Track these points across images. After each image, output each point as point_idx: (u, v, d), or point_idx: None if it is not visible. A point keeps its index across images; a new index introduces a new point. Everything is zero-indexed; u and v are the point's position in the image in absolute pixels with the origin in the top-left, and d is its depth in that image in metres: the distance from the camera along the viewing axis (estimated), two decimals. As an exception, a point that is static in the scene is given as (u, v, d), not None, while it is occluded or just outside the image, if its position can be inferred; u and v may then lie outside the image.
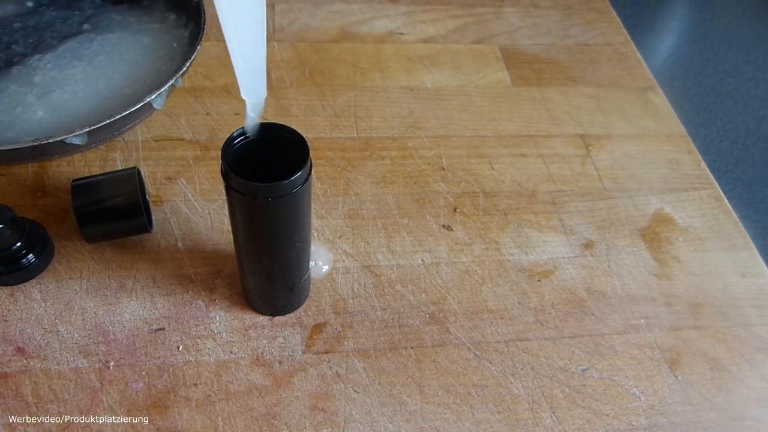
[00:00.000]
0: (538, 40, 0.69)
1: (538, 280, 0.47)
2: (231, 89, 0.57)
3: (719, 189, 0.56)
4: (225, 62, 0.59)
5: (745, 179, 0.63)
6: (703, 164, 0.58)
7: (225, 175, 0.32)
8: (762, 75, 0.75)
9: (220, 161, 0.50)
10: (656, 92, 0.64)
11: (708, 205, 0.54)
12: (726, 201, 0.55)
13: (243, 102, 0.54)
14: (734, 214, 0.54)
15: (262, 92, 0.30)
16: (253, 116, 0.31)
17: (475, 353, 0.43)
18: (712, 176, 0.57)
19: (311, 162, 0.33)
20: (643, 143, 0.59)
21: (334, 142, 0.54)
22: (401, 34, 0.66)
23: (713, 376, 0.44)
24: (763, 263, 0.51)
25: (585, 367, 0.43)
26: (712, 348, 0.45)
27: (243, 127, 0.33)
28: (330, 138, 0.55)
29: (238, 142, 0.33)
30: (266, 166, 0.33)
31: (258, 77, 0.29)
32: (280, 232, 0.35)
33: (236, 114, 0.55)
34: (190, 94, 0.56)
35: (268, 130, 0.33)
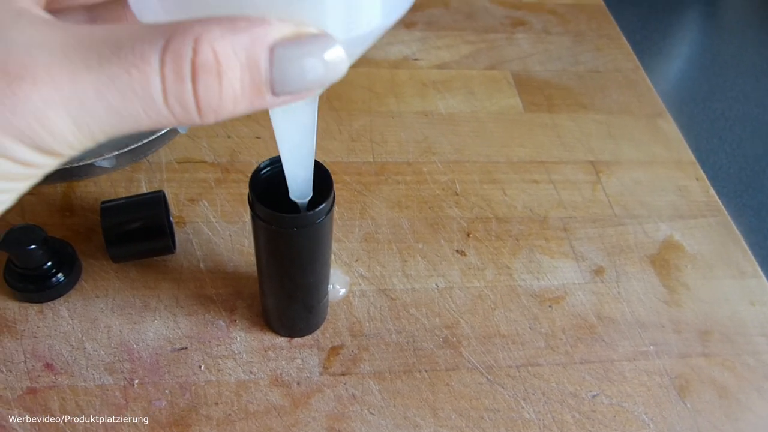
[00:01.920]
0: (549, 66, 0.70)
1: (549, 306, 0.48)
2: (251, 113, 0.58)
3: (728, 216, 0.57)
4: (245, 86, 0.61)
5: (754, 205, 0.64)
6: (712, 191, 0.59)
7: (252, 205, 0.34)
8: (770, 102, 0.76)
9: (240, 183, 0.52)
10: (665, 119, 0.66)
11: (717, 232, 0.55)
12: (735, 228, 0.56)
13: (261, 125, 0.55)
14: (743, 242, 0.55)
15: (308, 194, 0.32)
16: (301, 204, 0.33)
17: (487, 377, 0.44)
18: (720, 203, 0.58)
19: (334, 194, 0.34)
20: (653, 170, 0.60)
21: (350, 166, 0.56)
22: (416, 59, 0.68)
23: (722, 404, 0.45)
24: (770, 291, 0.52)
25: (595, 393, 0.44)
26: (721, 376, 0.46)
27: (270, 159, 0.34)
28: (346, 162, 0.56)
29: (265, 172, 0.35)
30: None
31: (306, 182, 0.31)
32: (302, 259, 0.37)
33: (257, 137, 0.56)
34: (212, 117, 0.58)
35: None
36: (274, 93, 0.18)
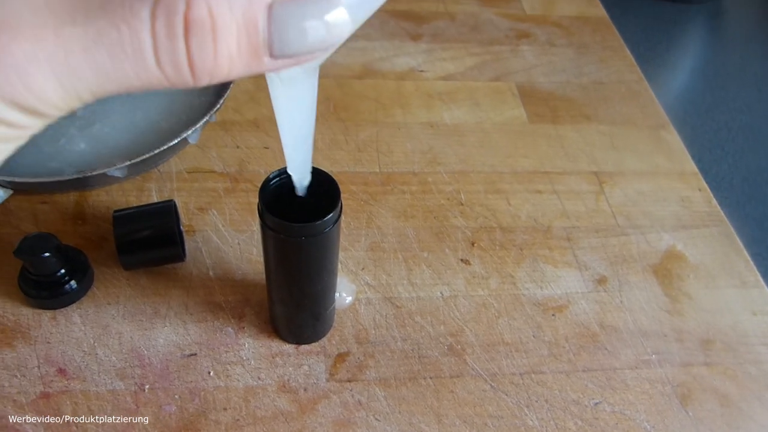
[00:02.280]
0: (554, 78, 0.71)
1: (553, 315, 0.49)
2: (259, 123, 0.59)
3: (730, 226, 0.57)
4: (254, 96, 0.62)
5: (757, 216, 0.65)
6: (714, 201, 0.60)
7: (261, 215, 0.34)
8: (773, 113, 0.76)
9: (249, 193, 0.53)
10: (668, 130, 0.66)
11: (719, 242, 0.56)
12: (737, 238, 0.57)
13: (270, 135, 0.56)
14: (745, 252, 0.55)
15: (308, 174, 0.32)
16: (300, 188, 0.33)
17: (491, 384, 0.44)
18: (723, 213, 0.59)
19: (342, 203, 0.35)
20: (656, 180, 0.61)
21: (357, 176, 0.57)
22: (421, 71, 0.69)
23: (723, 412, 0.45)
24: (772, 301, 0.52)
25: (597, 400, 0.44)
26: (723, 384, 0.46)
27: (278, 169, 0.35)
28: (353, 172, 0.57)
29: (274, 183, 0.35)
30: (299, 205, 0.35)
31: (305, 159, 0.31)
32: (310, 267, 0.38)
33: (265, 147, 0.57)
34: (221, 128, 0.59)
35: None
36: (272, 55, 0.18)
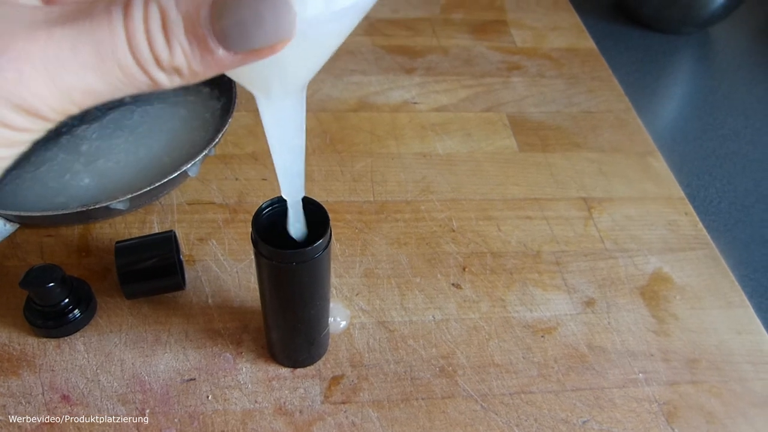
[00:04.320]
0: (544, 108, 0.73)
1: (542, 336, 0.50)
2: (258, 156, 0.62)
3: (716, 249, 0.59)
4: (253, 131, 0.64)
5: (744, 239, 0.66)
6: (701, 225, 0.61)
7: (255, 242, 0.36)
8: (760, 138, 0.78)
9: (247, 223, 0.55)
10: (656, 157, 0.68)
11: (705, 264, 0.58)
12: (722, 260, 0.58)
13: (268, 168, 0.58)
14: (730, 274, 0.57)
15: (300, 193, 0.33)
16: (293, 212, 0.35)
17: (482, 405, 0.46)
18: (709, 237, 0.60)
19: (331, 230, 0.37)
20: (643, 206, 0.63)
21: (352, 205, 0.59)
22: (415, 103, 0.72)
23: (709, 429, 0.46)
24: (758, 321, 0.53)
25: (586, 419, 0.45)
26: (708, 402, 0.48)
27: (271, 199, 0.37)
28: (348, 201, 0.59)
29: (267, 212, 0.37)
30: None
31: (296, 181, 0.32)
32: (303, 292, 0.39)
33: (263, 179, 0.60)
34: (221, 161, 0.61)
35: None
36: (225, 49, 0.19)
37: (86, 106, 0.20)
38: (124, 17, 0.18)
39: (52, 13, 0.19)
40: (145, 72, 0.19)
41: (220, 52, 0.19)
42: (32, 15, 0.19)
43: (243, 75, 0.25)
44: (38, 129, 0.20)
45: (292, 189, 0.33)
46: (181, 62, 0.19)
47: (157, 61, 0.19)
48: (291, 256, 0.36)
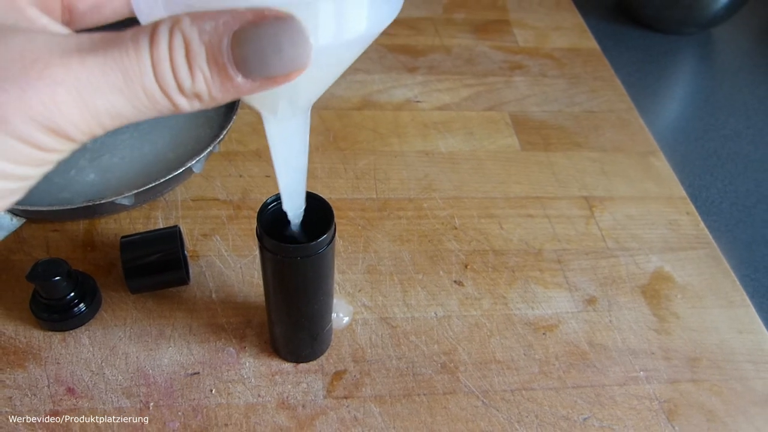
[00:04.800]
0: (546, 108, 0.74)
1: (543, 334, 0.51)
2: (261, 153, 0.62)
3: (717, 248, 0.59)
4: (256, 128, 0.65)
5: (745, 239, 0.66)
6: (702, 225, 0.61)
7: (259, 237, 0.37)
8: (761, 139, 0.79)
9: (251, 220, 0.55)
10: (657, 156, 0.69)
11: (706, 263, 0.58)
12: (724, 260, 0.58)
13: (271, 165, 0.59)
14: (732, 273, 0.57)
15: (301, 208, 0.34)
16: (295, 223, 0.35)
17: (483, 401, 0.46)
18: (710, 236, 0.60)
19: (335, 225, 0.37)
20: (645, 205, 0.63)
21: (355, 202, 0.59)
22: (418, 102, 0.72)
23: (709, 427, 0.46)
24: (759, 320, 0.54)
25: (586, 416, 0.46)
26: (709, 400, 0.48)
27: (276, 194, 0.38)
28: (351, 199, 0.59)
29: (271, 207, 0.38)
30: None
31: (298, 195, 0.34)
32: (307, 287, 0.40)
33: (266, 176, 0.60)
34: (225, 158, 0.62)
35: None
36: (244, 76, 0.20)
37: (111, 128, 0.21)
38: (150, 46, 0.19)
39: (82, 41, 0.20)
40: (168, 97, 0.20)
41: (239, 79, 0.20)
42: (65, 43, 0.20)
43: (252, 96, 0.26)
44: (65, 149, 0.21)
45: (293, 204, 0.34)
46: (202, 89, 0.20)
47: (180, 88, 0.20)
48: (295, 250, 0.36)
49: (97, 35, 0.20)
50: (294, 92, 0.26)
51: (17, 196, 0.22)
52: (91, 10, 0.27)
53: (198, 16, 0.19)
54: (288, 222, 0.37)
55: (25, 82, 0.19)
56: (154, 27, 0.20)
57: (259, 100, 0.27)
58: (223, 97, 0.21)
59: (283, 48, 0.20)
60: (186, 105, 0.21)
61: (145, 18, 0.24)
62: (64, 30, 0.22)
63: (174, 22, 0.19)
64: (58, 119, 0.19)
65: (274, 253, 0.36)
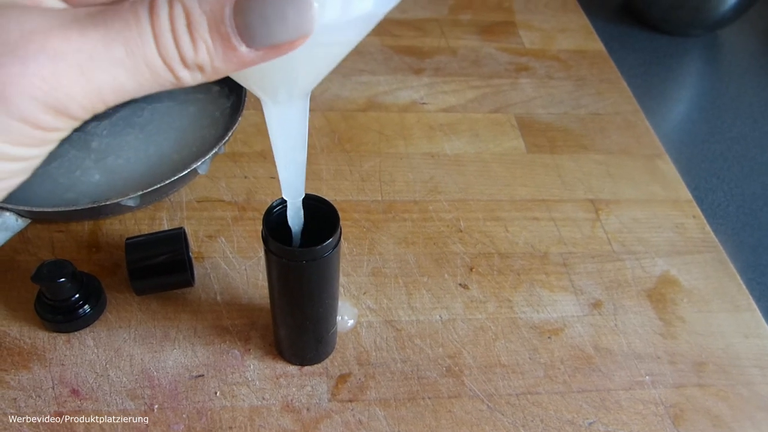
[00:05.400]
0: (552, 110, 0.73)
1: (549, 337, 0.50)
2: (266, 155, 0.62)
3: (723, 252, 0.59)
4: (262, 129, 0.65)
5: (752, 242, 0.66)
6: (708, 228, 0.61)
7: (265, 240, 0.37)
8: (768, 142, 0.78)
9: (256, 221, 0.55)
10: (663, 159, 0.68)
11: (712, 267, 0.58)
12: (730, 264, 0.58)
13: (272, 153, 0.59)
14: (738, 277, 0.57)
15: (300, 194, 0.34)
16: (294, 211, 0.35)
17: (488, 405, 0.46)
18: (716, 239, 0.60)
19: (341, 229, 0.37)
20: (651, 208, 0.63)
21: (360, 204, 0.59)
22: (424, 103, 0.72)
23: (715, 432, 0.46)
24: (765, 325, 0.53)
25: (591, 420, 0.46)
26: (715, 405, 0.48)
27: (281, 197, 0.37)
28: (356, 201, 0.59)
29: (277, 210, 0.38)
30: (302, 230, 0.37)
31: (297, 181, 0.33)
32: (312, 290, 0.39)
33: (271, 177, 0.60)
34: (230, 159, 0.61)
35: (305, 200, 0.37)
36: (248, 45, 0.20)
37: (113, 103, 0.20)
38: (150, 17, 0.19)
39: (79, 14, 0.19)
40: (170, 69, 0.20)
41: (243, 48, 0.20)
42: (63, 16, 0.19)
43: (252, 79, 0.26)
44: (67, 128, 0.20)
45: (292, 190, 0.34)
46: (205, 59, 0.20)
47: (183, 59, 0.20)
48: (301, 254, 0.36)
49: (94, 9, 0.20)
50: (293, 74, 0.26)
51: (23, 177, 0.22)
52: None
53: None
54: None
55: (24, 56, 0.18)
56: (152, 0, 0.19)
57: (259, 83, 0.26)
58: (226, 68, 0.20)
59: (287, 14, 0.19)
60: (188, 77, 0.20)
61: None
62: (60, 4, 0.22)
63: None
64: (60, 96, 0.19)
65: (279, 256, 0.36)
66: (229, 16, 0.19)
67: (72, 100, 0.19)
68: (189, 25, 0.19)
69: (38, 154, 0.21)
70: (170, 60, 0.19)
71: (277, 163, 0.32)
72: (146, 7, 0.19)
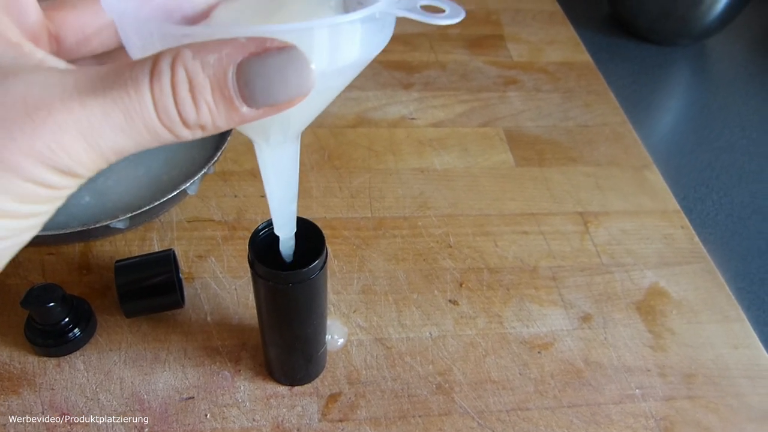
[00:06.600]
0: (540, 122, 0.74)
1: (539, 352, 0.51)
2: (256, 173, 0.62)
3: (712, 262, 0.59)
4: (251, 148, 0.65)
5: (741, 251, 0.66)
6: (696, 239, 0.61)
7: (251, 263, 0.37)
8: (756, 150, 0.79)
9: (246, 240, 0.55)
10: (651, 170, 0.69)
11: (701, 278, 0.58)
12: (719, 274, 0.58)
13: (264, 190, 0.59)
14: (726, 287, 0.57)
15: (292, 231, 0.35)
16: (286, 247, 0.36)
17: (478, 422, 0.46)
18: (704, 250, 0.60)
19: (327, 251, 0.37)
20: (639, 219, 0.63)
21: (350, 221, 0.59)
22: (413, 119, 0.72)
23: (705, 444, 0.46)
24: (754, 335, 0.54)
25: (582, 435, 0.46)
26: (705, 417, 0.48)
27: (268, 220, 0.38)
28: (346, 218, 0.60)
29: (263, 233, 0.38)
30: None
31: (289, 220, 0.34)
32: (299, 312, 0.40)
33: (261, 196, 0.60)
34: (220, 178, 0.62)
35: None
36: (249, 105, 0.20)
37: (115, 161, 0.21)
38: (150, 83, 0.19)
39: (80, 79, 0.20)
40: (171, 131, 0.21)
41: (244, 109, 0.20)
42: (64, 83, 0.20)
43: (247, 124, 0.27)
44: (73, 186, 0.21)
45: (285, 227, 0.34)
46: (207, 120, 0.21)
47: (184, 121, 0.20)
48: (287, 277, 0.36)
49: (94, 72, 0.20)
50: (286, 120, 0.27)
51: (34, 232, 0.23)
52: (79, 42, 0.27)
53: (199, 49, 0.20)
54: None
55: (30, 128, 0.19)
56: (155, 62, 0.20)
57: (252, 128, 0.27)
58: (227, 126, 0.21)
59: (287, 76, 0.20)
60: (189, 135, 0.21)
61: (136, 51, 0.24)
62: (60, 64, 0.22)
63: (175, 55, 0.20)
64: (66, 161, 0.20)
65: (266, 279, 0.37)
66: (232, 79, 0.20)
67: (77, 163, 0.20)
68: (192, 89, 0.20)
69: (47, 210, 0.22)
70: (171, 123, 0.20)
71: (269, 202, 0.33)
72: (147, 73, 0.20)
